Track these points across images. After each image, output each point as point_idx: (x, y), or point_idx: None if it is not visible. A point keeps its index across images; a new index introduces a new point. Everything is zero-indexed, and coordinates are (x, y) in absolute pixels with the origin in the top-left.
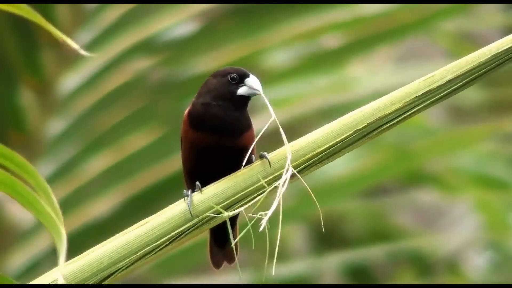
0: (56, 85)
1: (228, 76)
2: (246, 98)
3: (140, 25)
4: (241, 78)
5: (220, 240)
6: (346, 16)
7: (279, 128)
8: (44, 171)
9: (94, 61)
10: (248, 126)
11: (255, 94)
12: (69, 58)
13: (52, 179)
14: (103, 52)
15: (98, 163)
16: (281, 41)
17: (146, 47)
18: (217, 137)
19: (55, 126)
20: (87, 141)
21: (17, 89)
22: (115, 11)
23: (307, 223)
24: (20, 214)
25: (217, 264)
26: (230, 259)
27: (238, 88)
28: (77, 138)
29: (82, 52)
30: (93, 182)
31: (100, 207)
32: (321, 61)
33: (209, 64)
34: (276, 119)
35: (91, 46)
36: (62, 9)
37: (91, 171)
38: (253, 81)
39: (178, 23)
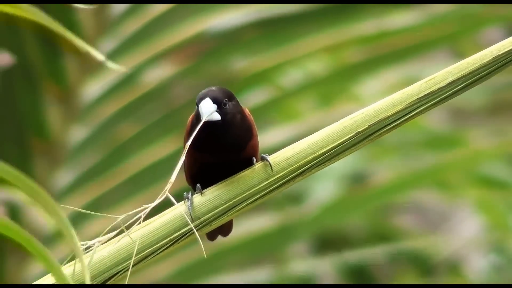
0: (79, 92)
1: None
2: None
3: (165, 33)
4: (197, 104)
5: (211, 233)
6: (368, 30)
7: (289, 142)
8: (66, 178)
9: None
10: (250, 137)
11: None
12: (92, 66)
13: (74, 187)
14: (127, 60)
15: (120, 171)
16: (304, 54)
17: (170, 54)
18: (218, 156)
19: (78, 133)
20: (109, 149)
21: (40, 97)
22: (139, 19)
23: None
24: (41, 220)
25: (211, 237)
26: (226, 232)
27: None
28: (99, 146)
29: (106, 62)
30: (115, 190)
31: (121, 215)
32: (342, 75)
33: (232, 74)
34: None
35: (114, 54)
36: (85, 17)
37: (113, 179)
38: (200, 109)
39: (202, 32)
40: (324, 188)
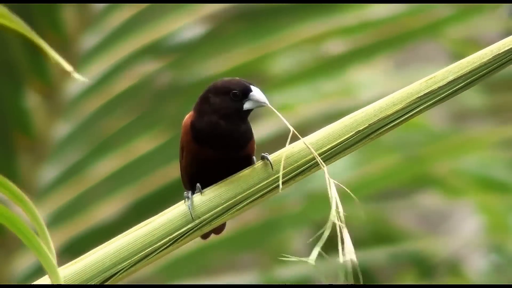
0: (62, 88)
1: (231, 94)
2: (250, 111)
3: (147, 29)
4: (244, 94)
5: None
6: (352, 21)
7: (282, 132)
8: (50, 174)
9: (101, 64)
10: (251, 135)
11: (262, 106)
12: (75, 62)
13: (58, 182)
14: (110, 55)
15: (104, 167)
16: (287, 46)
17: (152, 50)
18: (222, 152)
19: (61, 129)
20: (93, 145)
21: (23, 92)
22: (122, 14)
23: (310, 225)
24: (26, 217)
25: (204, 236)
26: (219, 230)
27: (243, 104)
28: (83, 141)
29: (73, 72)
30: (99, 185)
31: (106, 210)
32: (327, 66)
33: (215, 68)
34: (289, 125)
35: (97, 50)
36: (68, 11)
37: (97, 175)
38: (258, 94)
39: (184, 26)
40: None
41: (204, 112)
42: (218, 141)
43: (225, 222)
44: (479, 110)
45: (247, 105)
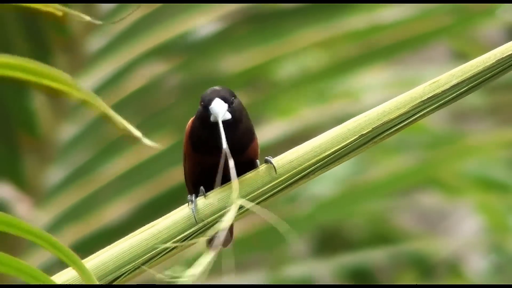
0: None
1: (201, 103)
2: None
3: (155, 30)
4: (206, 105)
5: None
6: (360, 25)
7: (286, 137)
8: (56, 176)
9: (108, 65)
10: (252, 138)
11: (217, 122)
12: (82, 63)
13: (65, 184)
14: (117, 57)
15: (111, 169)
16: (297, 49)
17: (161, 52)
18: (220, 158)
19: (68, 130)
20: (100, 147)
21: (29, 93)
22: (130, 15)
23: (317, 228)
24: (29, 216)
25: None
26: (225, 243)
27: (210, 114)
28: (90, 143)
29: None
30: (106, 187)
31: (113, 212)
32: (332, 70)
33: (224, 71)
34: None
35: (104, 52)
36: (75, 11)
37: (104, 177)
38: (214, 109)
39: (193, 28)
40: (320, 187)
41: (196, 119)
42: (211, 145)
43: (233, 234)
44: (479, 110)
45: (212, 117)
